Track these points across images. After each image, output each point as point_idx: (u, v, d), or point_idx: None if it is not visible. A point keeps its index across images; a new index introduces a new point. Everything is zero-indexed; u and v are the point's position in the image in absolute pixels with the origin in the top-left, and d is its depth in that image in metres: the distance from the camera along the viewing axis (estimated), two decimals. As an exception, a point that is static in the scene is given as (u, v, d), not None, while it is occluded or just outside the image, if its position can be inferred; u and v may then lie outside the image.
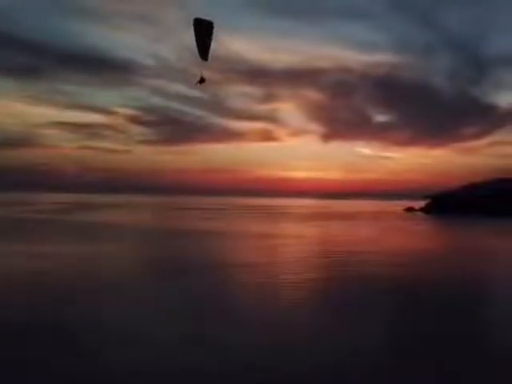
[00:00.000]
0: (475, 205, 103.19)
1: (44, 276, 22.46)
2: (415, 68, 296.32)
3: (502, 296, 20.66)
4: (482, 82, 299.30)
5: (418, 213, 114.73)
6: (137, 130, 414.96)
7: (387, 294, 20.13)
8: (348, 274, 24.53)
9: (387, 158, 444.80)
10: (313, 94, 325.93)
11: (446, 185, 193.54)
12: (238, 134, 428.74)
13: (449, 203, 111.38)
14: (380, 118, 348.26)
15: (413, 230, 61.50)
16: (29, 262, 26.48)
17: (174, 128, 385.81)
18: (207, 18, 14.94)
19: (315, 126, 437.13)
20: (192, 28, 14.87)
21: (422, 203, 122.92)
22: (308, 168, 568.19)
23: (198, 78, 15.56)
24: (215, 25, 14.94)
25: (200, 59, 15.10)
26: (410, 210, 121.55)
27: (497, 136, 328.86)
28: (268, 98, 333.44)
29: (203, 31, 14.85)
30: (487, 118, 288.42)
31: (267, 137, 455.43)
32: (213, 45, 15.08)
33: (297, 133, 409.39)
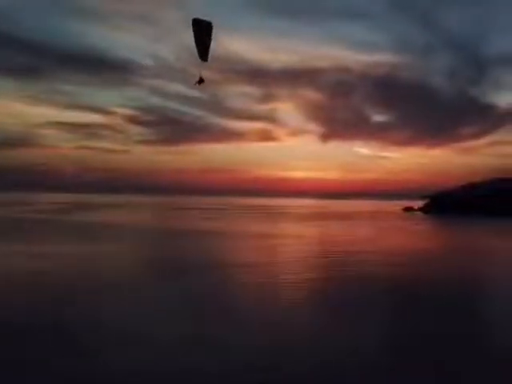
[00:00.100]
0: (474, 205, 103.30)
1: (44, 276, 22.46)
2: (414, 68, 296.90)
3: (501, 296, 20.69)
4: (482, 82, 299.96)
5: (417, 213, 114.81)
6: (135, 130, 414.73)
7: (386, 293, 20.16)
8: (347, 274, 24.56)
9: (386, 157, 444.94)
10: (312, 94, 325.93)
11: (444, 185, 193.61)
12: (237, 133, 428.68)
13: (447, 203, 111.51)
14: (379, 117, 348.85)
15: (411, 229, 61.56)
16: (29, 262, 26.48)
17: (173, 128, 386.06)
18: (206, 19, 14.95)
19: (314, 126, 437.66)
20: (191, 28, 14.88)
21: (420, 203, 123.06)
22: (307, 168, 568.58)
23: (197, 79, 15.58)
24: (214, 25, 14.94)
25: (199, 60, 15.11)
26: (408, 209, 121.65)
27: (496, 136, 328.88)
28: (267, 97, 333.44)
29: (203, 32, 14.86)
30: (486, 118, 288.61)
31: (266, 137, 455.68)
32: (212, 45, 15.09)
33: (296, 133, 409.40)
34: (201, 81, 15.65)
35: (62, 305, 16.85)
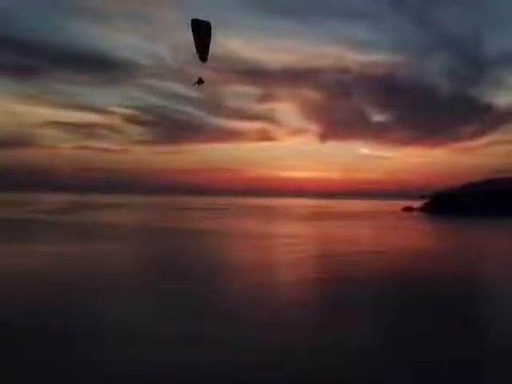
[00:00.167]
0: (473, 204, 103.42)
1: (44, 276, 22.44)
2: (413, 68, 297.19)
3: (500, 295, 20.68)
4: (480, 82, 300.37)
5: (416, 212, 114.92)
6: (134, 129, 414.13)
7: (386, 293, 20.14)
8: (347, 273, 24.53)
9: (385, 157, 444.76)
10: (311, 94, 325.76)
11: (443, 184, 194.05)
12: (236, 133, 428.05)
13: (447, 202, 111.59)
14: (378, 117, 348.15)
15: (411, 229, 61.60)
16: (29, 262, 26.44)
17: (172, 128, 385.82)
18: (204, 19, 14.93)
19: (313, 126, 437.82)
20: (189, 28, 14.86)
21: (420, 203, 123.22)
22: (306, 168, 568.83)
23: (196, 79, 15.56)
24: (213, 25, 14.92)
25: (198, 60, 15.10)
26: (408, 209, 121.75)
27: (495, 136, 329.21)
28: (266, 97, 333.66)
29: (201, 32, 14.84)
30: (485, 118, 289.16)
31: (265, 136, 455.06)
32: (211, 45, 15.08)
33: (295, 132, 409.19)
34: (200, 81, 15.63)
35: (62, 305, 16.85)
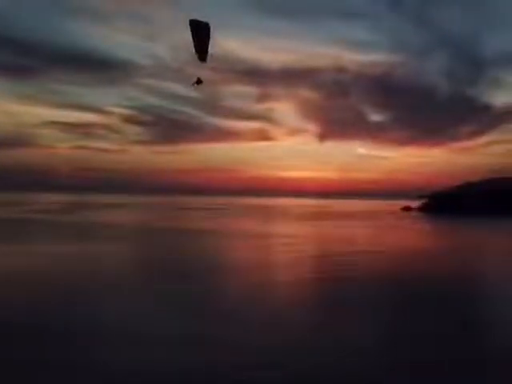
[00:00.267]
0: (471, 204, 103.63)
1: (44, 276, 22.41)
2: (411, 68, 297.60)
3: (499, 295, 20.72)
4: (478, 82, 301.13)
5: (415, 212, 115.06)
6: (132, 129, 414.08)
7: (386, 293, 20.17)
8: (346, 273, 24.57)
9: (383, 157, 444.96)
10: (309, 94, 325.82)
11: (442, 184, 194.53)
12: (234, 133, 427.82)
13: (445, 202, 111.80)
14: (376, 117, 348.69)
15: (410, 229, 61.70)
16: (29, 262, 26.40)
17: (170, 128, 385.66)
18: (203, 19, 14.92)
19: (311, 126, 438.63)
20: (188, 28, 14.84)
21: (418, 202, 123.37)
22: (304, 168, 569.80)
23: (195, 79, 15.56)
24: (211, 24, 14.92)
25: (197, 60, 15.08)
26: (406, 209, 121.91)
27: (493, 135, 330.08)
28: (264, 97, 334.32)
29: (201, 33, 14.83)
30: (483, 118, 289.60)
31: (263, 136, 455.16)
32: (209, 45, 15.07)
33: (292, 132, 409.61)
34: (199, 82, 15.63)
35: (61, 305, 16.84)
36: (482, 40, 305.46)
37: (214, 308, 17.02)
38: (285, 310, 16.97)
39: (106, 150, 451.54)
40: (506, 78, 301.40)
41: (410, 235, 52.12)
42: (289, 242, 40.74)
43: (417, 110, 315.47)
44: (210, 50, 15.02)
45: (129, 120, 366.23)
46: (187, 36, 14.90)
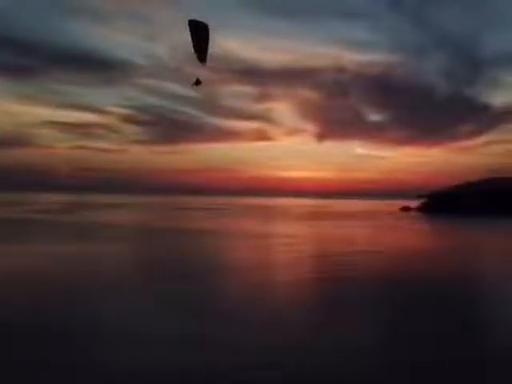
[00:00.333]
0: (470, 204, 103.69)
1: (44, 276, 22.41)
2: (410, 67, 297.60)
3: (499, 295, 20.74)
4: (477, 82, 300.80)
5: (414, 212, 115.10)
6: (131, 129, 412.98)
7: (386, 293, 20.18)
8: (346, 273, 24.58)
9: (382, 157, 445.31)
10: (307, 94, 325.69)
11: (441, 184, 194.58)
12: (233, 133, 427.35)
13: (444, 202, 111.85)
14: (375, 117, 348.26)
15: (409, 228, 61.73)
16: (28, 262, 26.40)
17: (169, 128, 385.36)
18: (202, 19, 14.89)
19: (310, 126, 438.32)
20: (187, 28, 14.83)
21: (417, 202, 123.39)
22: (303, 168, 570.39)
23: (194, 80, 15.56)
24: (210, 24, 14.91)
25: (197, 61, 15.07)
26: (405, 209, 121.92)
27: (492, 135, 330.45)
28: (263, 97, 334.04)
29: (200, 33, 14.82)
30: (482, 118, 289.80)
31: (262, 136, 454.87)
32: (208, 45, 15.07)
33: (291, 132, 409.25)
34: (198, 82, 15.62)
35: (61, 305, 16.84)
36: (481, 40, 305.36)
37: (214, 308, 17.03)
38: (285, 309, 16.98)
39: (105, 150, 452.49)
40: (505, 78, 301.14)
41: (409, 235, 52.16)
42: (288, 241, 40.76)
43: (416, 109, 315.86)
44: (210, 49, 15.02)
45: (128, 120, 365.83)
46: (187, 36, 14.89)
